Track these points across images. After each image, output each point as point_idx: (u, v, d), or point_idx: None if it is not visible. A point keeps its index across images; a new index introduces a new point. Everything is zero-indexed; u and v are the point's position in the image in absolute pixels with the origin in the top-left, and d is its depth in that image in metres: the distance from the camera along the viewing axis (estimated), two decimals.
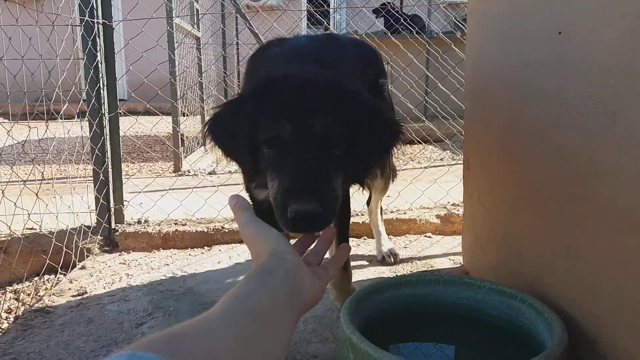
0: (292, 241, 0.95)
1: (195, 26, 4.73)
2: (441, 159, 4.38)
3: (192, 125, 4.50)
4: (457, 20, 4.20)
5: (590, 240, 1.11)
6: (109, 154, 2.43)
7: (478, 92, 1.80)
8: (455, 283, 1.38)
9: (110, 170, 2.43)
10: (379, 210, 2.17)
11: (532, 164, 1.36)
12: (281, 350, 0.60)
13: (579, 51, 1.14)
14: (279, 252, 0.73)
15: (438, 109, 4.12)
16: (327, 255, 1.00)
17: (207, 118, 5.12)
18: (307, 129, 1.05)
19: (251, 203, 1.31)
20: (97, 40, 2.38)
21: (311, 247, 0.99)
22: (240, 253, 2.22)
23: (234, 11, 5.49)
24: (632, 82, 0.96)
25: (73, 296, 1.85)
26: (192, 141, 4.44)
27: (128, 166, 4.41)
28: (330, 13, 9.89)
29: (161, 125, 5.85)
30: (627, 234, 0.99)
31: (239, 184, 2.95)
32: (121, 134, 2.50)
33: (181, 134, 3.84)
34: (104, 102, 2.41)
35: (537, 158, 1.34)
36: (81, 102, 2.51)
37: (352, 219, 2.41)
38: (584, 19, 1.12)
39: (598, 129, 1.07)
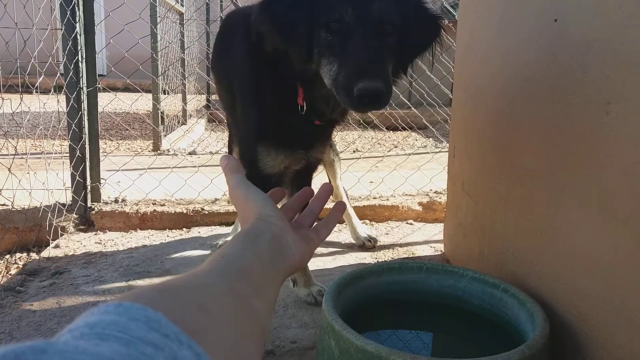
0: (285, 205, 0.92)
1: (179, 1, 4.60)
2: (425, 147, 4.38)
3: (173, 103, 4.40)
4: (445, 7, 4.16)
5: (576, 231, 1.10)
6: (86, 130, 2.35)
7: (467, 79, 1.78)
8: (438, 271, 1.37)
9: (87, 146, 2.36)
10: (343, 192, 2.13)
11: (521, 153, 1.35)
12: (268, 309, 0.61)
13: (575, 39, 1.12)
14: (266, 216, 0.72)
15: (425, 95, 4.10)
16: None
17: (188, 96, 4.99)
18: (367, 14, 1.11)
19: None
20: (77, 10, 2.28)
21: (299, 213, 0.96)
22: (219, 235, 2.18)
23: None
24: (627, 73, 0.95)
25: (46, 276, 1.79)
26: (173, 119, 4.34)
27: (106, 143, 4.30)
28: None
29: (141, 103, 5.71)
30: (613, 225, 0.98)
31: (219, 165, 2.90)
32: (100, 110, 2.42)
33: (161, 112, 3.75)
34: (82, 76, 2.32)
35: (526, 147, 1.32)
36: (58, 75, 2.41)
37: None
38: (580, 6, 1.09)
39: (590, 120, 1.05)
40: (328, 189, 0.94)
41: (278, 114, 1.40)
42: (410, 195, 2.60)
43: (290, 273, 0.73)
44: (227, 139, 2.16)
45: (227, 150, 2.18)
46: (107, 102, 3.25)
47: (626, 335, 0.95)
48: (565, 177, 1.14)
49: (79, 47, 2.30)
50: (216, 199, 2.45)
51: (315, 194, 0.96)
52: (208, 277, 0.56)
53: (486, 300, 1.29)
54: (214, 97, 6.85)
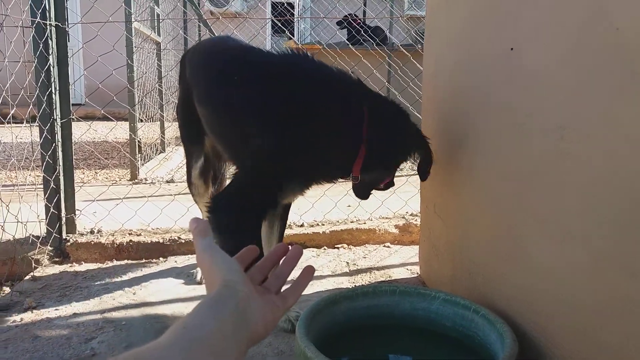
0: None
1: (155, 31, 4.64)
2: (401, 170, 4.43)
3: (151, 132, 4.40)
4: (418, 33, 4.29)
5: (538, 252, 1.14)
6: (60, 161, 2.34)
7: (435, 105, 1.84)
8: (411, 294, 1.39)
9: (61, 178, 2.34)
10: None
11: (485, 176, 1.40)
12: None
13: (530, 67, 1.17)
14: (232, 283, 0.71)
15: None
16: None
17: (166, 124, 4.99)
18: None
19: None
20: (50, 42, 2.29)
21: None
22: (196, 265, 2.17)
23: (193, 17, 5.42)
24: (579, 98, 1.00)
25: (19, 310, 1.76)
26: (151, 148, 4.33)
27: (84, 173, 4.26)
28: (295, 22, 9.93)
29: (120, 131, 5.69)
30: (571, 245, 1.02)
31: None
32: (77, 139, 2.41)
33: (139, 141, 3.74)
34: (55, 107, 2.32)
35: (490, 170, 1.37)
36: (31, 106, 2.41)
37: (312, 229, 2.41)
38: (534, 35, 1.15)
39: (547, 144, 1.10)
40: (298, 253, 0.93)
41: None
42: (386, 218, 2.63)
43: (254, 343, 0.71)
44: (186, 162, 2.01)
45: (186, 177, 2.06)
46: (84, 131, 3.23)
47: (588, 353, 0.98)
48: (527, 199, 1.18)
49: (52, 79, 2.31)
50: (182, 229, 2.44)
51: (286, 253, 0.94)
52: (167, 350, 0.56)
53: (458, 321, 1.31)
54: None
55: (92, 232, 2.38)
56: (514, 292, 1.24)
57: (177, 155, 4.88)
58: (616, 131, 0.90)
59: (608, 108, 0.92)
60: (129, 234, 2.36)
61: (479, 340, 1.24)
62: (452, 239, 1.64)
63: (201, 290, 1.91)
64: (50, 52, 2.29)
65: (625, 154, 0.87)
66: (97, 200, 2.58)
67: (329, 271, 2.08)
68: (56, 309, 1.76)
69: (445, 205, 1.72)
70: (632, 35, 0.85)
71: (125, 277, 2.05)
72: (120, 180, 3.84)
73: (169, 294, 1.87)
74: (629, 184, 0.87)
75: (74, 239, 2.29)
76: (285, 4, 9.28)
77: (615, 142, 0.90)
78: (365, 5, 7.97)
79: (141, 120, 4.01)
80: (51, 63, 2.30)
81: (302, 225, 2.49)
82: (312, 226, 2.47)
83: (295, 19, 9.45)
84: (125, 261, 2.24)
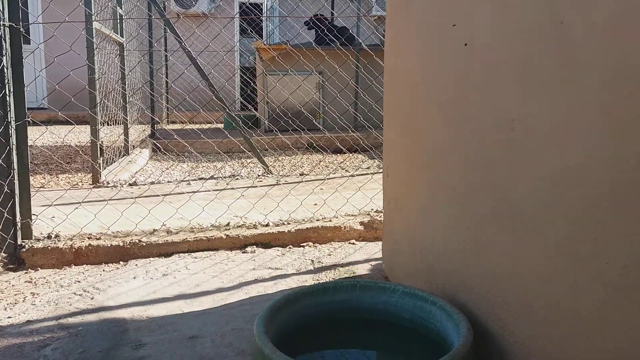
0: None
1: (118, 32, 4.54)
2: (368, 168, 4.47)
3: (114, 134, 4.30)
4: (384, 34, 4.33)
5: (493, 243, 1.16)
6: (15, 165, 2.26)
7: (394, 102, 1.85)
8: (371, 288, 1.40)
9: (16, 182, 2.26)
10: None
11: (443, 170, 1.41)
12: None
13: (482, 62, 1.19)
14: None
15: (362, 118, 4.20)
16: None
17: (131, 127, 4.90)
18: None
19: None
20: (3, 43, 2.21)
21: None
22: (157, 267, 2.12)
23: (153, 16, 5.33)
24: (528, 92, 1.02)
25: None
26: (114, 151, 4.23)
27: (45, 178, 4.13)
28: (263, 23, 9.89)
29: (84, 136, 5.56)
30: (524, 235, 1.04)
31: (158, 195, 2.84)
32: (35, 143, 2.33)
33: (100, 144, 3.65)
34: (10, 110, 2.24)
35: (447, 165, 1.38)
36: None
37: (277, 228, 2.39)
38: (485, 31, 1.17)
39: (499, 136, 1.12)
40: None
41: None
42: (352, 215, 2.63)
43: None
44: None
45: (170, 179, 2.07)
46: (43, 135, 3.13)
47: (540, 340, 1.00)
48: (482, 192, 1.20)
49: (6, 81, 2.23)
50: (154, 230, 2.40)
51: None
52: None
53: (417, 313, 1.32)
54: (159, 126, 6.75)
55: (49, 237, 2.31)
56: (472, 283, 1.25)
57: (141, 158, 4.78)
58: (564, 125, 0.92)
59: (556, 102, 0.93)
60: (88, 238, 2.30)
61: (436, 330, 1.25)
62: (412, 234, 1.65)
63: (161, 292, 1.87)
64: (3, 53, 2.21)
65: (572, 147, 0.89)
66: (54, 204, 2.50)
67: (294, 269, 2.07)
68: (8, 317, 1.70)
69: (405, 200, 1.73)
70: (577, 29, 0.87)
71: (83, 282, 1.99)
72: (81, 184, 3.74)
73: (129, 298, 1.83)
74: (574, 174, 0.89)
75: (30, 245, 2.21)
76: (252, 5, 9.23)
77: (562, 135, 0.92)
78: (332, 7, 8.00)
79: (104, 124, 3.92)
80: (5, 64, 2.22)
81: (267, 225, 2.47)
82: (278, 225, 2.46)
83: (263, 19, 9.42)
84: (84, 266, 2.18)
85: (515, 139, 1.07)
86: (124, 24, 4.78)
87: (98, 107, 3.67)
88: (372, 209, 2.69)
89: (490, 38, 1.16)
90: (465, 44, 1.28)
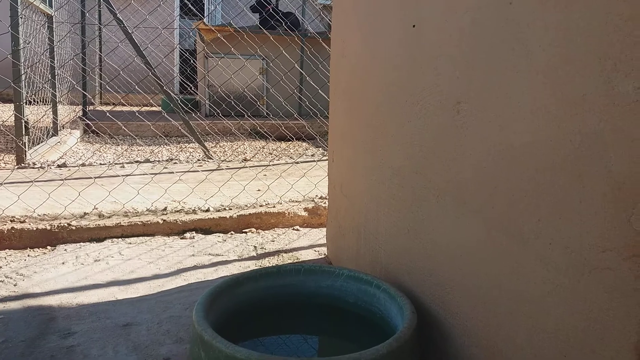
0: None
1: (47, 2, 4.22)
2: (312, 155, 4.45)
3: (42, 114, 4.01)
4: (330, 21, 4.30)
5: (436, 225, 1.16)
6: None
7: (342, 86, 1.83)
8: (315, 272, 1.37)
9: None
10: None
11: (388, 154, 1.41)
12: None
13: (430, 44, 1.19)
14: None
15: (307, 104, 4.17)
16: None
17: (60, 107, 4.60)
18: None
19: None
20: None
21: None
22: (89, 252, 2.00)
23: None
24: (473, 73, 1.02)
25: None
26: (42, 131, 3.95)
27: None
28: (205, 4, 9.58)
29: (7, 114, 5.17)
30: (466, 216, 1.05)
31: (90, 177, 2.68)
32: None
33: (25, 123, 3.39)
34: None
35: (393, 148, 1.38)
36: None
37: (219, 214, 2.32)
38: (434, 11, 1.17)
39: (445, 119, 1.12)
40: None
41: None
42: (296, 201, 2.60)
43: None
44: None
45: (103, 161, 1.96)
46: None
47: (482, 321, 1.01)
48: (427, 174, 1.20)
49: None
50: (85, 214, 2.25)
51: None
52: None
53: (361, 297, 1.31)
54: (91, 107, 6.40)
55: None
56: (415, 265, 1.26)
57: (72, 138, 4.50)
58: (509, 105, 0.92)
59: (502, 83, 0.94)
60: (11, 221, 2.12)
61: (380, 314, 1.24)
62: (357, 218, 1.64)
63: (93, 279, 1.76)
64: None
65: (516, 128, 0.90)
66: None
67: (235, 256, 2.01)
68: None
69: (351, 185, 1.72)
70: (525, 11, 0.88)
71: (5, 268, 1.84)
72: (4, 165, 3.46)
73: (57, 284, 1.70)
74: (518, 155, 0.90)
75: None
76: None
77: (507, 116, 0.93)
78: None
79: (31, 102, 3.64)
80: None
81: (207, 210, 2.39)
82: (219, 211, 2.39)
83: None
84: (7, 251, 2.01)
85: (460, 120, 1.07)
86: None
87: (22, 81, 3.40)
88: (316, 195, 2.67)
89: (438, 19, 1.15)
90: (414, 26, 1.27)
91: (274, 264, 1.94)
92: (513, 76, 0.91)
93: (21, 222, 2.12)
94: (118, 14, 3.95)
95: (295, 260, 1.98)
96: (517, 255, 0.91)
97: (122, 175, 3.03)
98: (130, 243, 2.11)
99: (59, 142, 4.20)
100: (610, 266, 0.71)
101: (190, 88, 8.38)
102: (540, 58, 0.84)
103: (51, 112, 4.26)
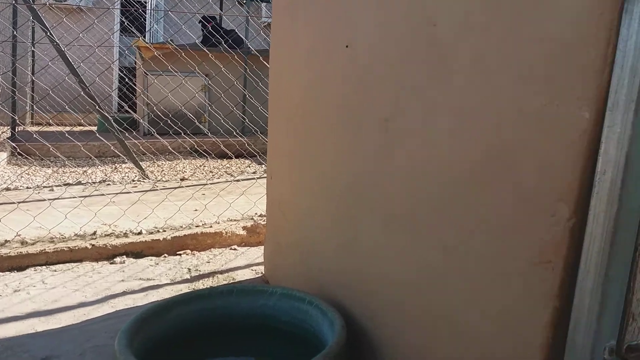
0: None
1: None
2: (254, 172, 4.40)
3: None
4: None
5: (367, 239, 1.17)
6: None
7: (280, 104, 1.82)
8: (248, 292, 1.34)
9: None
10: None
11: (323, 172, 1.40)
12: None
13: (362, 64, 1.20)
14: None
15: (248, 122, 4.14)
16: None
17: None
18: None
19: None
20: None
21: None
22: (8, 283, 1.86)
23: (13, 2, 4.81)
24: (401, 91, 1.04)
25: None
26: None
27: None
28: (147, 20, 9.40)
29: None
30: (393, 229, 1.06)
31: (13, 202, 2.52)
32: None
33: None
34: None
35: (327, 166, 1.38)
36: None
37: (151, 236, 2.24)
38: (366, 32, 1.18)
39: (375, 136, 1.13)
40: None
41: None
42: (234, 220, 2.55)
43: None
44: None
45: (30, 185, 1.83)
46: None
47: (407, 332, 1.01)
48: (360, 190, 1.20)
49: None
50: (6, 241, 2.11)
51: None
52: None
53: (294, 315, 1.28)
54: (21, 127, 6.07)
55: None
56: (349, 280, 1.25)
57: None
58: (432, 122, 0.94)
59: (425, 100, 0.96)
60: None
61: (312, 331, 1.22)
62: (294, 236, 1.63)
63: (11, 311, 1.64)
64: None
65: (438, 142, 0.92)
66: None
67: (168, 279, 1.93)
68: None
69: (289, 202, 1.70)
70: (446, 30, 0.90)
71: None
72: None
73: None
74: (438, 168, 0.92)
75: None
76: (136, 2, 8.74)
77: (430, 132, 0.95)
78: (221, 8, 7.84)
79: None
80: None
81: (139, 233, 2.29)
82: (152, 233, 2.30)
83: (147, 16, 8.96)
84: None
85: (389, 138, 1.08)
86: None
87: None
88: (255, 213, 2.64)
89: (368, 39, 1.17)
90: (347, 46, 1.28)
91: (208, 286, 1.88)
92: (435, 93, 0.93)
93: None
94: (50, 31, 3.78)
95: (231, 281, 1.93)
96: (439, 265, 0.92)
97: (50, 199, 2.87)
98: (55, 270, 1.99)
99: None
100: (520, 273, 0.73)
101: (129, 106, 8.15)
102: (459, 78, 0.87)
103: None
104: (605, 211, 0.62)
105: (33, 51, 6.65)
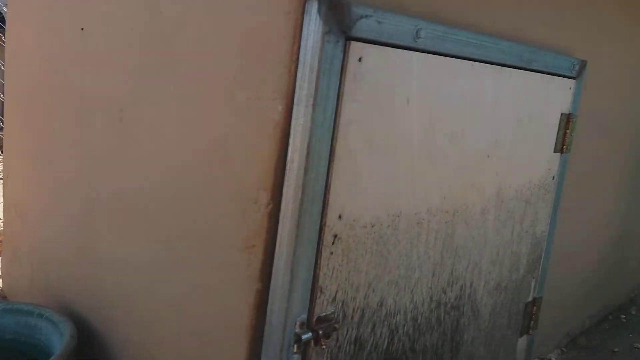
0: None
1: None
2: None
3: None
4: None
5: (104, 239, 1.09)
6: None
7: (16, 92, 1.58)
8: None
9: None
10: None
11: (63, 167, 1.26)
12: None
13: (98, 50, 1.11)
14: None
15: None
16: None
17: None
18: None
19: None
20: None
21: None
22: None
23: None
24: (135, 79, 0.99)
25: None
26: None
27: None
28: None
29: None
30: (129, 228, 1.01)
31: None
32: None
33: None
34: None
35: (67, 161, 1.24)
36: None
37: None
38: (101, 16, 1.09)
39: (110, 128, 1.06)
40: None
41: None
42: None
43: None
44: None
45: None
46: None
47: (139, 332, 0.98)
48: (96, 188, 1.12)
49: None
50: None
51: None
52: None
53: (20, 331, 1.13)
54: None
55: None
56: (86, 285, 1.16)
57: None
58: (163, 112, 0.91)
59: (157, 89, 0.93)
60: None
61: (42, 345, 1.10)
62: (32, 241, 1.43)
63: None
64: None
65: (167, 133, 0.91)
66: None
67: None
68: None
69: (26, 204, 1.49)
70: (171, 19, 0.88)
71: None
72: None
73: None
74: (169, 160, 0.90)
75: None
76: None
77: (161, 123, 0.92)
78: None
79: None
80: None
81: None
82: None
83: None
84: None
85: (122, 128, 1.03)
86: None
87: None
88: None
89: (104, 23, 1.09)
90: (82, 29, 1.18)
91: None
92: (163, 83, 0.91)
93: None
94: None
95: None
96: (166, 261, 0.90)
97: None
98: None
99: None
100: (231, 260, 0.76)
101: None
102: (186, 66, 0.86)
103: None
104: (294, 195, 0.68)
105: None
